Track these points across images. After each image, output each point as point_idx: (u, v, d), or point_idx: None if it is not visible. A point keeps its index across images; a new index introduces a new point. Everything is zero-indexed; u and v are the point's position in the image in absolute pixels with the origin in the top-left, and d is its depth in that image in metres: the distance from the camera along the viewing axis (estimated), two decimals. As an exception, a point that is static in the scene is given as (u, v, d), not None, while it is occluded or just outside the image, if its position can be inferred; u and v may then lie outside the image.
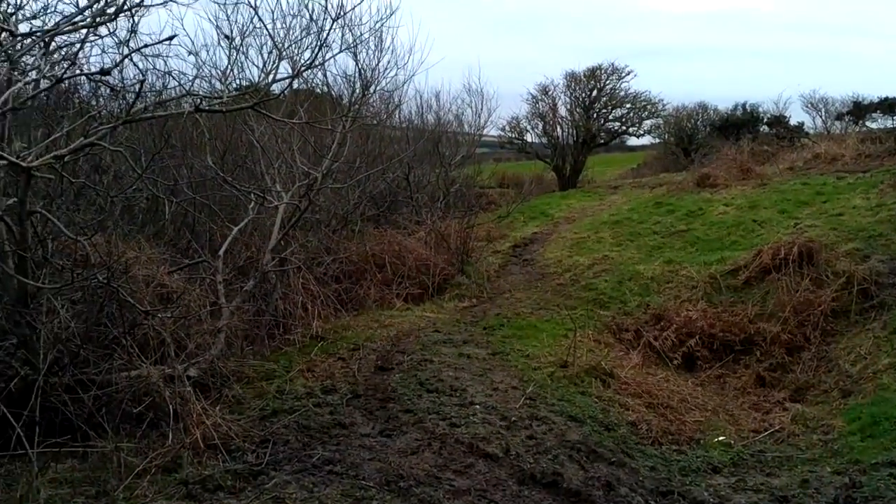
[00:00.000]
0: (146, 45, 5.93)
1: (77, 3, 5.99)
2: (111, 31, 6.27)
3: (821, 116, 29.25)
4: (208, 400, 5.86)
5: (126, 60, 6.58)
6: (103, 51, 7.07)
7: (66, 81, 6.85)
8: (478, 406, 6.24)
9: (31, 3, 6.48)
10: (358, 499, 4.65)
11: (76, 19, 5.81)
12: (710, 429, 6.70)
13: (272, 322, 8.25)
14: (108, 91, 7.89)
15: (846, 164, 16.35)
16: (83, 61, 6.72)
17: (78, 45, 6.31)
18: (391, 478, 4.91)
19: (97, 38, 6.23)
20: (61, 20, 5.96)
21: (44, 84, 5.54)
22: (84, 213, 7.06)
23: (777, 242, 10.28)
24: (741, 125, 26.14)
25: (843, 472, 5.43)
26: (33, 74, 5.82)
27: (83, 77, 6.70)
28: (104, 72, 5.28)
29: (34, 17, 6.71)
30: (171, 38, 5.74)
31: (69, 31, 5.79)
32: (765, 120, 27.70)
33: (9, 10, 6.11)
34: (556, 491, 5.04)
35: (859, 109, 27.16)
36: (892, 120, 25.44)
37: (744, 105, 28.04)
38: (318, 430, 5.66)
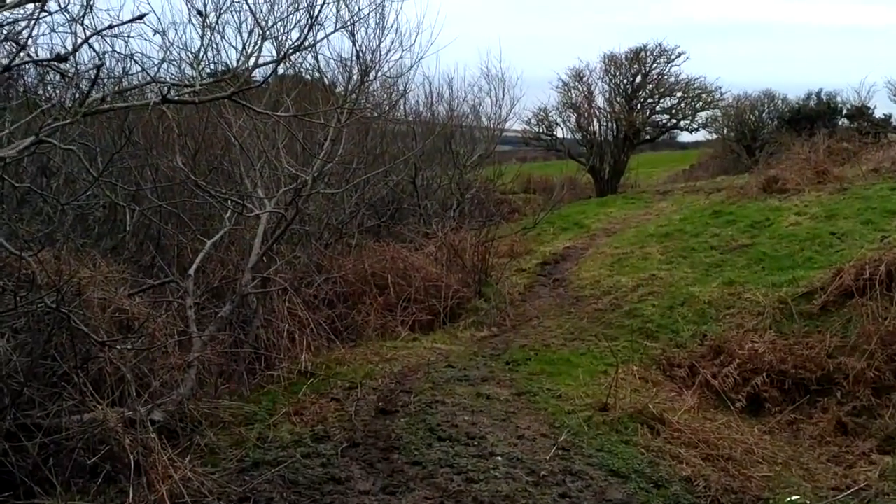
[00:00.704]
0: (110, 27, 5.94)
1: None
2: (62, 6, 6.33)
3: (912, 107, 29.29)
4: (176, 449, 5.85)
5: (78, 37, 6.65)
6: (53, 29, 7.12)
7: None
8: (500, 458, 6.21)
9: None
10: (356, 570, 4.65)
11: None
12: (780, 486, 6.65)
13: (252, 355, 8.26)
14: (58, 77, 7.94)
15: (944, 164, 16.34)
16: (30, 42, 6.77)
17: (24, 23, 6.36)
18: (396, 544, 4.90)
19: (46, 14, 6.29)
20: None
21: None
22: (29, 224, 7.10)
23: (861, 259, 10.22)
24: (815, 118, 26.19)
25: (943, 541, 5.39)
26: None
27: (22, 50, 6.75)
28: (60, 58, 5.32)
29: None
30: (139, 18, 5.75)
31: (13, 7, 5.84)
32: (844, 112, 27.76)
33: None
34: (595, 561, 5.03)
35: (960, 99, 27.18)
36: None
37: (819, 94, 28.13)
38: (307, 485, 5.65)
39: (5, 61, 6.55)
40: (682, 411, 7.73)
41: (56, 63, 5.55)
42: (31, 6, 5.88)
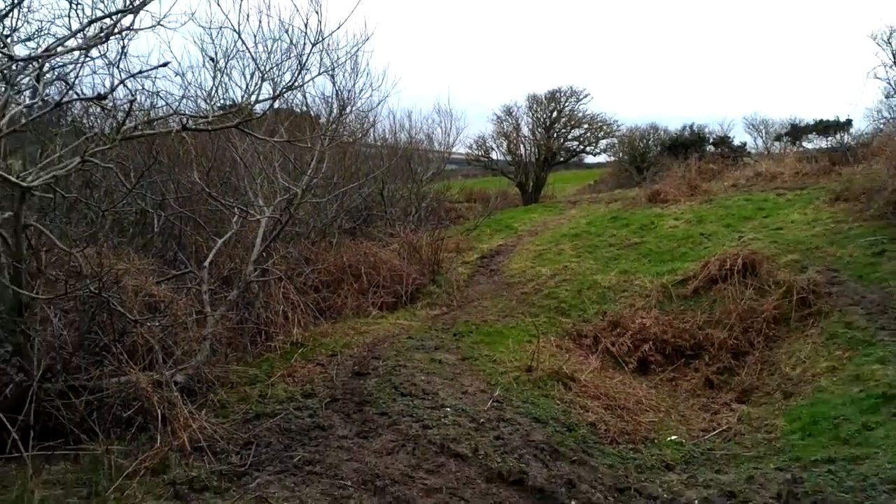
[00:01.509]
0: (141, 72, 5.87)
1: (69, 25, 5.93)
2: (102, 52, 6.22)
3: (761, 137, 29.88)
4: (194, 404, 5.79)
5: (115, 78, 6.54)
6: (94, 71, 7.00)
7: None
8: (448, 409, 6.23)
9: (25, 25, 6.38)
10: (336, 497, 4.62)
11: (68, 42, 5.73)
12: (663, 428, 6.75)
13: (254, 330, 8.18)
14: (98, 110, 7.79)
15: (785, 181, 16.62)
16: (76, 82, 6.65)
17: (71, 66, 6.23)
18: (368, 477, 4.88)
19: (89, 59, 6.17)
20: (54, 43, 5.88)
21: (40, 105, 5.47)
22: (76, 227, 6.99)
23: (723, 254, 10.39)
24: (689, 145, 26.43)
25: (785, 469, 5.49)
26: (27, 94, 5.74)
27: (70, 89, 6.62)
28: (101, 97, 5.22)
29: (29, 38, 6.62)
30: (164, 65, 5.71)
31: (63, 54, 5.71)
32: (710, 140, 28.08)
33: (5, 33, 6.01)
34: (521, 488, 5.05)
35: (797, 131, 27.73)
36: (827, 141, 25.93)
37: (691, 126, 28.42)
38: (298, 432, 5.62)
39: (56, 96, 6.43)
40: (588, 371, 7.80)
41: (97, 101, 5.44)
42: (77, 52, 5.78)
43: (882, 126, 17.62)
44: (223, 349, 7.21)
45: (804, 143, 27.12)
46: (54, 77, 6.38)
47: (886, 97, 15.42)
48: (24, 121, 4.92)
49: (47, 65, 5.89)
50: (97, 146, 5.03)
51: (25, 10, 6.11)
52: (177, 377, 5.94)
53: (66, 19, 5.93)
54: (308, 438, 5.52)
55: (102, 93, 5.43)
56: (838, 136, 25.36)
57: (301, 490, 4.67)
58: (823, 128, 26.50)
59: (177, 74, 8.82)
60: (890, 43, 13.97)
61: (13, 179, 4.30)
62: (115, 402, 5.37)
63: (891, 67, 13.98)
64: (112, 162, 6.96)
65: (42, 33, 6.53)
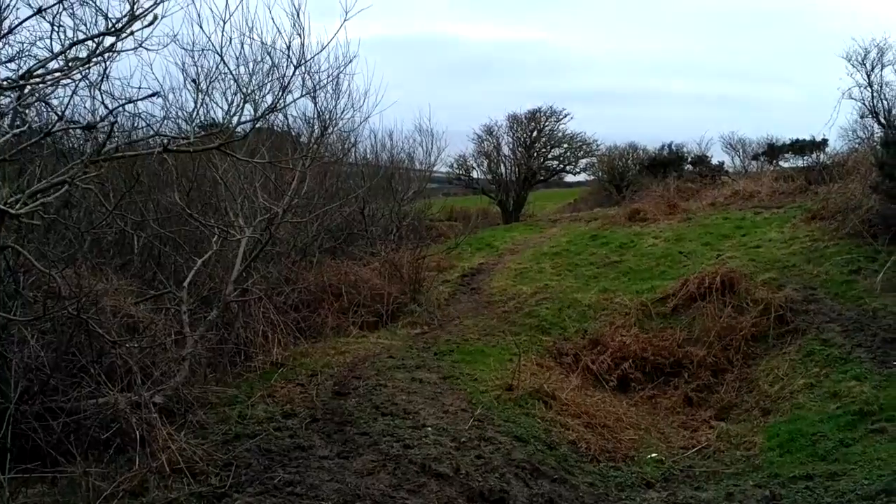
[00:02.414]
0: (130, 101, 5.94)
1: (51, 47, 5.92)
2: (83, 74, 6.21)
3: (739, 156, 30.15)
4: (173, 425, 5.75)
5: (96, 100, 6.55)
6: (74, 92, 6.97)
7: (40, 121, 6.73)
8: (429, 428, 6.22)
9: (6, 48, 6.36)
10: (317, 518, 4.60)
11: (50, 64, 5.73)
12: (643, 446, 6.78)
13: (234, 350, 8.14)
14: (78, 131, 7.76)
15: (762, 200, 16.83)
16: (65, 109, 6.63)
17: (51, 88, 6.21)
18: (349, 498, 4.87)
19: (70, 80, 6.16)
20: (35, 65, 5.87)
21: (26, 132, 5.48)
22: (55, 247, 6.93)
23: (702, 272, 10.50)
24: (668, 164, 26.59)
25: (764, 486, 5.54)
26: (7, 118, 5.73)
27: (60, 120, 6.61)
28: (90, 126, 5.24)
29: (10, 60, 6.59)
30: (153, 95, 5.75)
31: (46, 76, 5.70)
32: (689, 159, 28.24)
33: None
34: (503, 507, 5.06)
35: (773, 150, 28.01)
36: (803, 160, 26.22)
37: (670, 145, 28.59)
38: (278, 453, 5.60)
39: (35, 117, 6.43)
40: (568, 390, 7.83)
41: (87, 129, 5.47)
42: (58, 73, 5.77)
43: (857, 145, 17.87)
44: (202, 369, 7.17)
45: (781, 163, 27.37)
46: (34, 99, 6.37)
47: (861, 117, 15.69)
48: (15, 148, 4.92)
49: (28, 87, 5.88)
50: (80, 169, 5.03)
51: (6, 30, 6.08)
52: (155, 398, 5.90)
53: (48, 41, 5.92)
54: (288, 459, 5.50)
55: (91, 122, 5.45)
56: (814, 156, 25.63)
57: (281, 511, 4.65)
58: (799, 147, 26.77)
59: (158, 96, 8.82)
60: (864, 64, 14.23)
61: (2, 207, 4.30)
62: (93, 424, 5.32)
63: (865, 88, 14.21)
64: (92, 182, 6.93)
65: (23, 55, 6.52)
